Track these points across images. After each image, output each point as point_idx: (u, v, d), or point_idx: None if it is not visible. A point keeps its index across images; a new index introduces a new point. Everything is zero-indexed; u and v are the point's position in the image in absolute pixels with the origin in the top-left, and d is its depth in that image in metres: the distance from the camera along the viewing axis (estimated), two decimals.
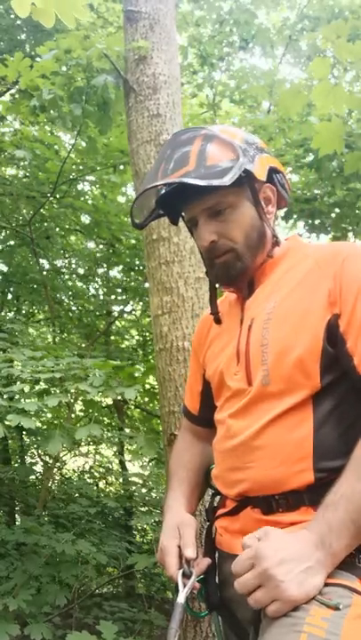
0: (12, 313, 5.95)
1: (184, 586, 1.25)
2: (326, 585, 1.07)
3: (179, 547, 1.33)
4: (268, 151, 1.44)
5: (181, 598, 1.22)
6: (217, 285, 1.48)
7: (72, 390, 3.03)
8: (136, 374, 3.28)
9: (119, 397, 3.07)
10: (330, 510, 1.11)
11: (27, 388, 3.00)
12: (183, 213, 1.43)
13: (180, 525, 1.37)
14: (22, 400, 3.07)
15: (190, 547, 1.31)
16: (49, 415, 5.74)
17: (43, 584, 3.81)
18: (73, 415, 5.35)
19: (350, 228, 4.86)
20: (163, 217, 1.50)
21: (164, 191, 1.40)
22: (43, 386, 3.01)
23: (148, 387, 5.03)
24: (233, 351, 1.37)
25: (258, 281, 1.40)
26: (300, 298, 1.28)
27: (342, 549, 1.09)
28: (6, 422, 2.86)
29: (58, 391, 3.21)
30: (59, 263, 6.50)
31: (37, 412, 3.06)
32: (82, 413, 5.67)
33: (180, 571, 1.28)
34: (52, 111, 3.64)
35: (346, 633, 1.00)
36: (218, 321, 1.49)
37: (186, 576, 1.28)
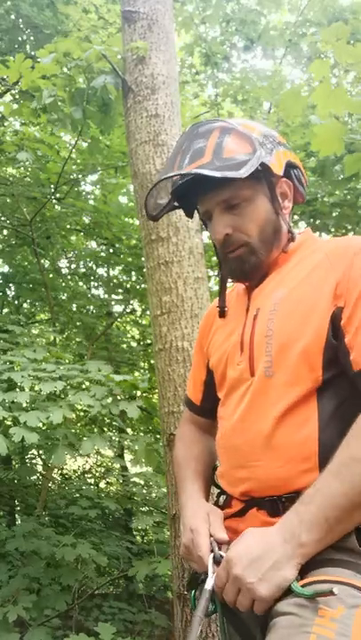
0: (13, 314, 5.94)
1: (213, 572, 1.21)
2: (337, 583, 1.07)
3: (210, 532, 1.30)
4: (287, 145, 1.43)
5: (210, 584, 1.19)
6: (230, 281, 1.47)
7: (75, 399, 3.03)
8: (141, 384, 3.30)
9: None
10: (304, 504, 1.12)
11: (27, 397, 3.00)
12: (198, 207, 1.43)
13: (209, 512, 1.35)
14: (24, 403, 3.07)
15: (222, 530, 1.30)
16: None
17: (43, 586, 3.81)
18: (74, 415, 5.35)
19: (350, 227, 4.85)
20: (178, 209, 1.49)
21: (179, 183, 1.39)
22: (44, 389, 3.01)
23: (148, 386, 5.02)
24: (237, 339, 1.37)
25: (268, 273, 1.40)
26: (308, 290, 1.28)
27: (313, 543, 1.10)
28: (10, 431, 2.86)
29: (60, 393, 3.21)
30: (60, 263, 6.51)
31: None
32: (82, 413, 5.67)
33: (212, 555, 1.24)
34: (52, 113, 3.63)
35: (355, 634, 0.99)
36: (222, 314, 1.48)
37: (216, 561, 1.23)
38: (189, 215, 1.52)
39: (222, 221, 1.33)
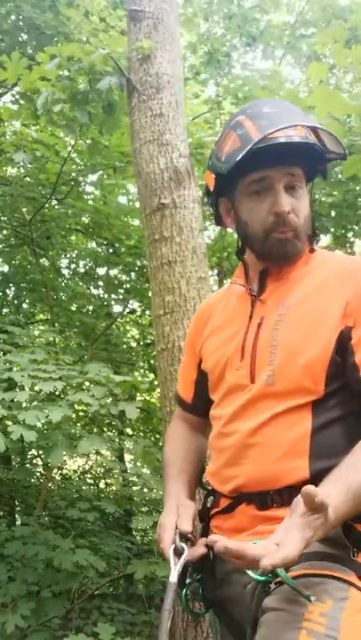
0: (13, 314, 5.94)
1: (175, 564, 1.23)
2: (322, 576, 1.09)
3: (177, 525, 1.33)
4: None
5: (173, 577, 1.20)
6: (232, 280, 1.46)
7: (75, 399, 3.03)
8: (142, 386, 3.31)
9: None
10: (324, 485, 1.11)
11: (26, 397, 3.00)
12: (253, 174, 1.31)
13: (179, 506, 1.37)
14: (24, 402, 3.07)
15: (186, 522, 1.31)
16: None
17: (42, 589, 3.80)
18: (73, 415, 5.35)
19: (350, 226, 4.87)
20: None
21: (261, 145, 1.26)
22: (44, 389, 3.01)
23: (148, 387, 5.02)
24: (238, 345, 1.37)
25: (272, 278, 1.39)
26: (315, 304, 1.29)
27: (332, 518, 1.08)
28: (9, 429, 2.86)
29: (59, 392, 3.21)
30: (60, 263, 6.51)
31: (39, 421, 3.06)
32: (82, 413, 5.67)
33: (172, 546, 1.27)
34: (55, 117, 3.62)
35: (345, 628, 1.01)
36: (258, 293, 1.41)
37: (178, 553, 1.26)
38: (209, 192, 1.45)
39: (286, 198, 1.30)
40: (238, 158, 1.25)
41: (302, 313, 1.30)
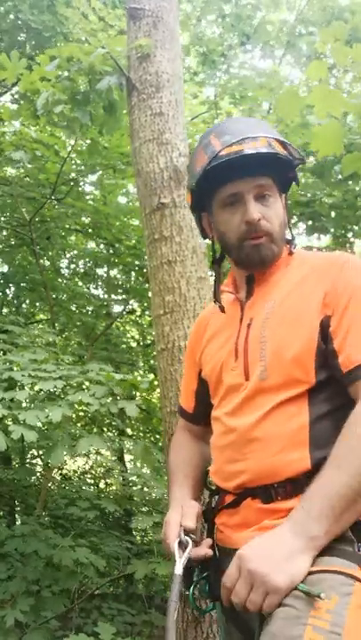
0: (13, 314, 5.93)
1: (180, 557, 1.28)
2: (325, 572, 1.10)
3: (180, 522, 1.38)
4: None
5: (179, 569, 1.25)
6: (242, 270, 1.48)
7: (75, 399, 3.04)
8: (142, 385, 3.31)
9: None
10: (309, 499, 1.16)
11: (26, 395, 3.00)
12: (223, 189, 1.40)
13: (183, 506, 1.43)
14: (24, 401, 3.07)
15: (190, 518, 1.37)
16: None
17: (42, 588, 3.80)
18: (73, 415, 5.34)
19: (350, 227, 4.87)
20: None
21: (220, 160, 1.34)
22: (44, 388, 3.01)
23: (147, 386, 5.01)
24: (232, 348, 1.42)
25: (258, 283, 1.45)
26: (298, 299, 1.35)
27: (323, 535, 1.13)
28: (9, 429, 2.86)
29: (60, 393, 3.20)
30: (60, 263, 6.51)
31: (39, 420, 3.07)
32: (82, 413, 5.67)
33: (177, 540, 1.32)
34: (56, 117, 3.61)
35: (349, 624, 1.03)
36: (223, 309, 1.52)
37: (182, 546, 1.31)
38: (192, 207, 1.53)
39: (255, 206, 1.37)
40: (201, 172, 1.36)
41: (286, 308, 1.36)
